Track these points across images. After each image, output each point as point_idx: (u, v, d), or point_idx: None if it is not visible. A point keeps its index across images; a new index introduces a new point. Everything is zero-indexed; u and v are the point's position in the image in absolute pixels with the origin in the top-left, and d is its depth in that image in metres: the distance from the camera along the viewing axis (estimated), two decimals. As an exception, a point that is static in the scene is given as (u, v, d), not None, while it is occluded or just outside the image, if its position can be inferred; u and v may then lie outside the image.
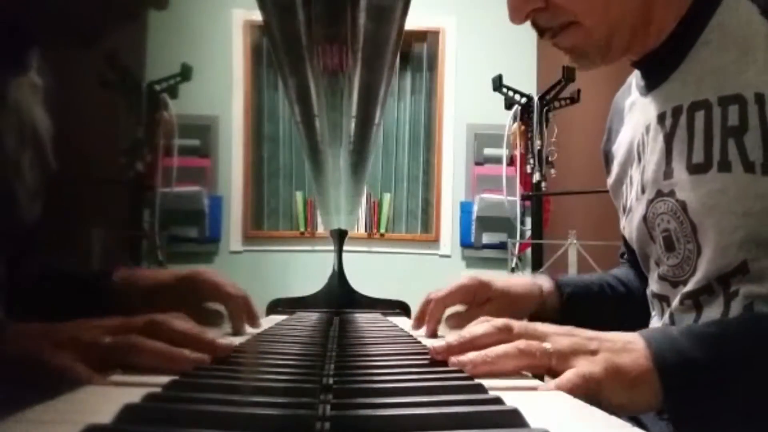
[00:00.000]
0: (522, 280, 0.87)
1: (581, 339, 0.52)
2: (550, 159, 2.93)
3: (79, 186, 2.92)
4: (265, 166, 3.91)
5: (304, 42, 0.53)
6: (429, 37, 3.96)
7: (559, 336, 0.52)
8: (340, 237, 1.30)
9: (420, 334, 0.80)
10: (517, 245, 3.18)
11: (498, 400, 0.34)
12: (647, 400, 0.49)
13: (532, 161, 2.92)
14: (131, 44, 3.49)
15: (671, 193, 0.68)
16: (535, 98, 2.96)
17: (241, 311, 0.79)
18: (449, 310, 0.82)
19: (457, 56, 3.92)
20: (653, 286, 0.75)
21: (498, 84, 3.02)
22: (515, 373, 0.50)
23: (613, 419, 0.36)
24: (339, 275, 1.27)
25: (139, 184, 3.07)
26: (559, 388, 0.46)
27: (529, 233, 3.13)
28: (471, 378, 0.43)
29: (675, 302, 0.69)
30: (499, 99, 3.08)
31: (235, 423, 0.29)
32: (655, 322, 0.76)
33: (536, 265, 2.86)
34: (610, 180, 0.88)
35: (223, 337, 0.52)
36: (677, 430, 0.50)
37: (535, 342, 0.51)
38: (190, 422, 0.29)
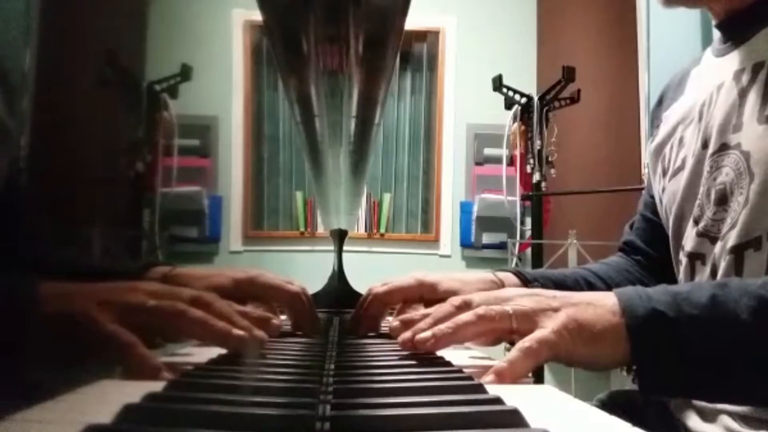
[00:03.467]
0: (475, 277, 0.80)
1: (544, 298, 0.51)
2: (550, 159, 2.93)
3: (79, 186, 2.93)
4: (265, 166, 3.91)
5: (304, 42, 0.52)
6: (429, 37, 3.96)
7: (521, 297, 0.52)
8: (340, 237, 1.30)
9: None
10: (517, 245, 3.18)
11: (498, 400, 0.34)
12: (611, 354, 0.49)
13: (532, 161, 2.93)
14: (131, 44, 3.49)
15: (737, 146, 0.66)
16: (535, 98, 2.96)
17: (307, 308, 0.75)
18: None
19: (457, 56, 3.92)
20: (688, 244, 0.73)
21: (498, 84, 3.02)
22: (478, 346, 0.52)
23: (613, 419, 0.36)
24: (339, 275, 1.27)
25: (139, 184, 3.07)
26: (497, 371, 0.46)
27: (529, 233, 3.13)
28: (471, 378, 0.43)
29: (711, 260, 0.68)
30: (499, 99, 3.08)
31: (235, 423, 0.29)
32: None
33: (536, 265, 2.86)
34: (653, 143, 0.85)
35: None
36: (641, 385, 0.49)
37: (495, 306, 0.51)
38: (190, 422, 0.29)
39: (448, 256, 3.87)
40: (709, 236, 0.69)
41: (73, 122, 2.98)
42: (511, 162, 3.26)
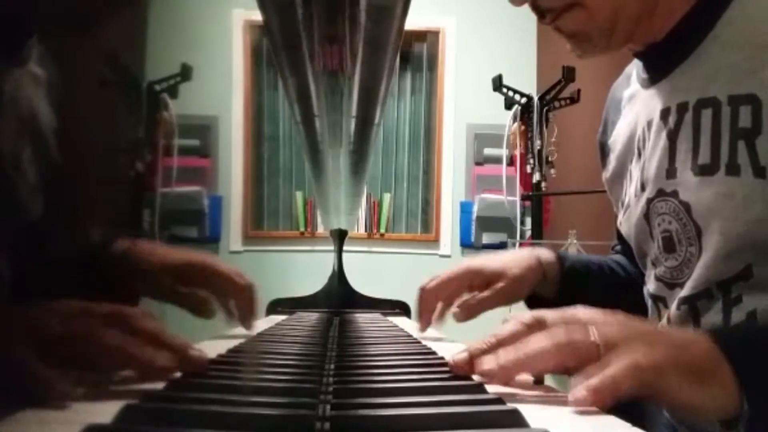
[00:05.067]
0: (518, 256, 0.80)
1: (633, 326, 0.44)
2: (550, 159, 2.93)
3: (79, 186, 2.93)
4: (265, 166, 3.91)
5: (304, 42, 0.52)
6: (429, 37, 3.96)
7: (605, 324, 0.43)
8: (340, 237, 1.30)
9: (426, 334, 0.78)
10: (517, 245, 3.17)
11: (498, 400, 0.34)
12: (717, 400, 0.41)
13: (532, 161, 2.92)
14: (131, 44, 3.49)
15: (674, 194, 0.64)
16: (535, 98, 2.96)
17: (251, 305, 0.72)
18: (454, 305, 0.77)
19: (457, 56, 3.92)
20: (650, 285, 0.72)
21: (498, 84, 3.02)
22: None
23: (613, 419, 0.35)
24: (339, 275, 1.28)
25: (139, 184, 3.07)
26: (597, 389, 0.37)
27: (529, 233, 3.13)
28: (471, 378, 0.43)
29: (672, 306, 0.66)
30: (499, 99, 3.08)
31: (235, 423, 0.29)
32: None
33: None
34: (607, 174, 0.84)
35: (197, 346, 0.45)
36: None
37: (577, 334, 0.42)
38: (190, 422, 0.29)
39: (448, 256, 3.87)
40: (664, 282, 0.68)
41: (73, 122, 2.98)
42: (511, 162, 3.26)
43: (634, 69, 0.78)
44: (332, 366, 0.47)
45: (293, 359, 0.51)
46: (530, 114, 2.96)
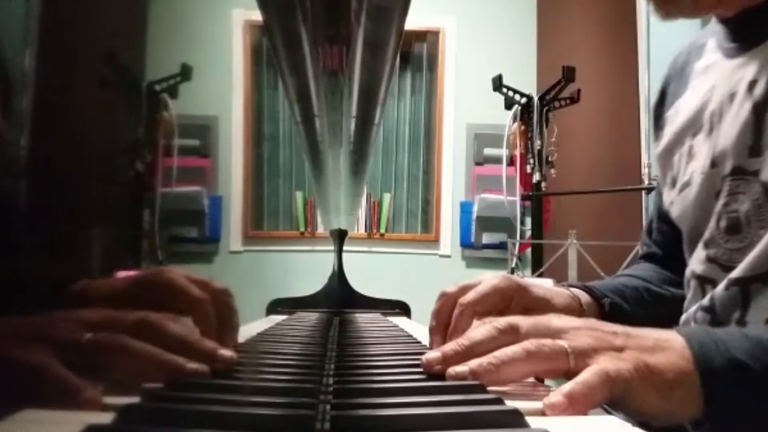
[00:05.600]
0: (560, 291, 0.72)
1: (604, 333, 0.44)
2: (550, 159, 2.93)
3: (79, 186, 2.93)
4: (265, 166, 3.91)
5: (304, 42, 0.52)
6: (429, 37, 3.96)
7: (577, 331, 0.44)
8: (340, 237, 1.30)
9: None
10: (517, 245, 3.18)
11: (498, 401, 0.34)
12: (684, 408, 0.41)
13: (532, 161, 2.93)
14: (131, 44, 3.49)
15: (756, 173, 0.59)
16: (535, 98, 2.96)
17: (210, 319, 0.56)
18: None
19: (457, 56, 3.92)
20: (697, 267, 0.67)
21: (498, 84, 3.02)
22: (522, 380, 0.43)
23: (613, 419, 0.35)
24: (339, 275, 1.28)
25: (139, 184, 3.08)
26: (571, 395, 0.37)
27: (529, 233, 3.13)
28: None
29: (720, 287, 0.62)
30: (499, 99, 3.08)
31: (235, 423, 0.29)
32: (691, 306, 0.68)
33: (536, 265, 2.86)
34: (659, 147, 0.76)
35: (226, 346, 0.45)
36: None
37: (547, 340, 0.42)
38: (190, 422, 0.29)
39: (448, 256, 3.87)
40: (719, 263, 0.64)
41: (73, 122, 2.98)
42: (511, 162, 3.26)
43: (710, 39, 0.72)
44: (332, 366, 0.47)
45: (293, 359, 0.51)
46: (530, 114, 2.96)
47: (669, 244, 0.82)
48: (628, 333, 0.44)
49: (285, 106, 3.80)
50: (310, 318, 1.06)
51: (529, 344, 0.42)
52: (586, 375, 0.39)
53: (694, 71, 0.74)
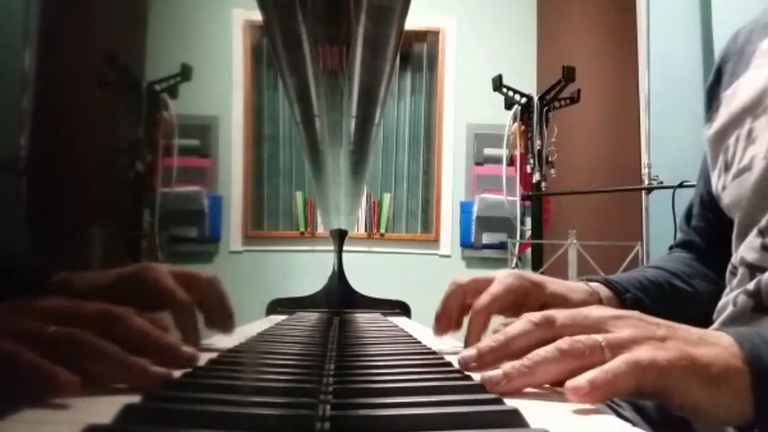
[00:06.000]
0: (578, 286, 0.70)
1: (647, 324, 0.41)
2: (550, 159, 2.93)
3: (79, 185, 2.93)
4: (265, 166, 3.91)
5: (304, 42, 0.53)
6: (429, 37, 3.96)
7: (616, 321, 0.41)
8: (340, 237, 1.30)
9: (444, 347, 0.68)
10: (517, 245, 3.18)
11: (498, 401, 0.34)
12: (732, 406, 0.38)
13: (532, 161, 2.93)
14: (131, 44, 3.49)
15: None
16: (535, 98, 2.96)
17: (192, 322, 0.58)
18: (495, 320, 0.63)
19: (457, 56, 3.93)
20: (748, 254, 0.63)
21: (498, 84, 3.02)
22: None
23: (613, 419, 0.35)
24: (339, 275, 1.28)
25: (139, 184, 3.08)
26: (593, 381, 0.36)
27: (529, 233, 3.13)
28: (470, 377, 0.43)
29: None
30: (499, 99, 3.08)
31: (235, 423, 0.29)
32: (731, 294, 0.65)
33: (536, 265, 2.86)
34: (712, 129, 0.71)
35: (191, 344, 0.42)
36: None
37: (582, 336, 0.40)
38: (190, 422, 0.29)
39: (448, 256, 3.87)
40: None
41: (73, 122, 2.98)
42: (511, 162, 3.26)
43: None
44: (332, 366, 0.47)
45: (293, 359, 0.51)
46: (530, 114, 2.97)
47: (710, 232, 0.78)
48: (671, 325, 0.42)
49: (285, 106, 3.80)
50: (310, 318, 1.06)
51: (562, 343, 0.40)
52: (614, 362, 0.37)
53: (759, 50, 0.69)
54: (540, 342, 0.41)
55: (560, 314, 0.44)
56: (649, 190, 2.50)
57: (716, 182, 0.70)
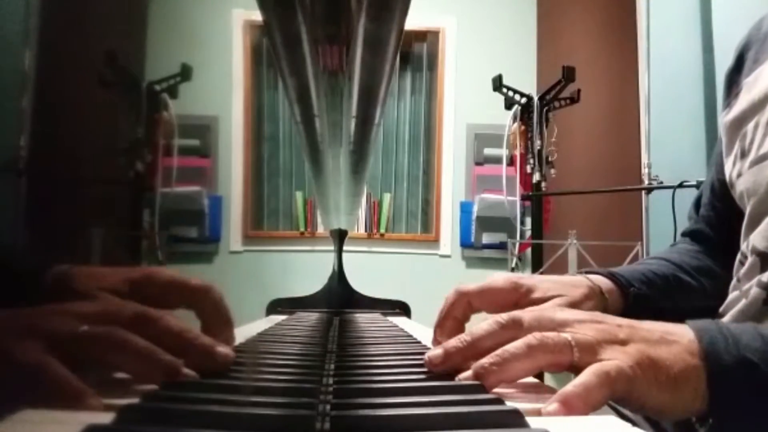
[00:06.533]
0: (575, 283, 0.68)
1: (609, 326, 0.42)
2: (550, 159, 2.93)
3: (79, 186, 2.93)
4: (265, 166, 3.91)
5: (304, 42, 0.52)
6: (429, 37, 3.96)
7: (581, 323, 0.43)
8: (340, 237, 1.30)
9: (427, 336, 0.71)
10: (517, 245, 3.18)
11: (498, 401, 0.34)
12: (689, 403, 0.40)
13: (532, 161, 2.92)
14: (131, 44, 3.49)
15: None
16: (535, 98, 2.96)
17: (218, 312, 0.57)
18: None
19: (457, 56, 3.93)
20: (760, 243, 0.62)
21: (498, 84, 3.02)
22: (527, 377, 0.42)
23: (614, 419, 0.35)
24: (339, 275, 1.28)
25: (139, 184, 3.07)
26: (568, 398, 0.36)
27: (529, 233, 3.13)
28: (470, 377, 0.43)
29: None
30: (499, 99, 3.08)
31: (235, 423, 0.29)
32: (745, 283, 0.64)
33: (536, 265, 2.86)
34: (730, 115, 0.70)
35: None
36: None
37: (551, 333, 0.41)
38: (190, 422, 0.29)
39: (448, 256, 3.87)
40: None
41: (73, 122, 2.98)
42: (511, 162, 3.26)
43: None
44: (332, 366, 0.47)
45: (293, 359, 0.51)
46: (530, 114, 2.96)
47: (719, 222, 0.77)
48: (633, 325, 0.43)
49: (285, 106, 3.80)
50: (310, 318, 1.06)
51: (531, 338, 0.41)
52: (585, 376, 0.38)
53: None
54: (506, 343, 0.41)
55: (526, 315, 0.44)
56: (649, 190, 2.50)
57: (730, 169, 0.69)
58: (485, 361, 0.41)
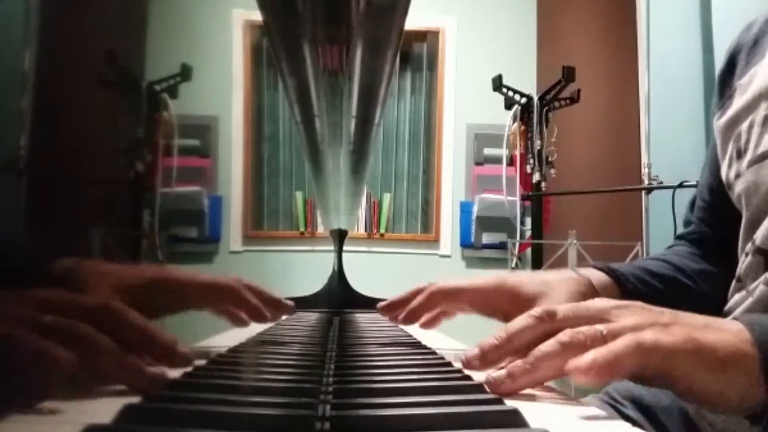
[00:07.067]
0: (564, 277, 0.66)
1: (650, 312, 0.40)
2: (550, 159, 2.93)
3: (79, 186, 2.93)
4: (265, 166, 3.91)
5: (304, 42, 0.53)
6: (429, 37, 3.96)
7: (619, 311, 0.41)
8: (340, 237, 1.30)
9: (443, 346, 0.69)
10: (517, 245, 3.18)
11: (498, 401, 0.34)
12: (740, 391, 0.36)
13: (532, 161, 2.93)
14: (131, 44, 3.49)
15: None
16: (535, 98, 2.96)
17: (246, 299, 0.64)
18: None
19: (457, 56, 3.93)
20: (763, 243, 0.62)
21: (498, 84, 3.02)
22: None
23: (613, 419, 0.35)
24: (339, 275, 1.27)
25: (139, 184, 3.08)
26: (594, 360, 0.34)
27: (529, 233, 3.13)
28: (470, 377, 0.43)
29: None
30: (499, 99, 3.08)
31: (235, 423, 0.29)
32: (748, 284, 0.64)
33: (536, 265, 2.86)
34: (725, 117, 0.70)
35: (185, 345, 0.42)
36: None
37: (583, 327, 0.39)
38: (190, 422, 0.29)
39: (448, 256, 3.87)
40: None
41: (73, 122, 2.98)
42: (511, 162, 3.26)
43: None
44: (332, 366, 0.47)
45: (293, 359, 0.51)
46: (530, 114, 2.96)
47: (716, 223, 0.77)
48: (677, 313, 0.41)
49: (285, 106, 3.80)
50: (310, 318, 1.06)
51: (563, 336, 0.39)
52: (617, 342, 0.36)
53: None
54: (543, 336, 0.40)
55: (562, 307, 0.43)
56: (649, 190, 2.50)
57: (727, 171, 0.68)
58: (518, 362, 0.40)
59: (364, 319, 1.09)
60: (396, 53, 0.57)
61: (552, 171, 2.94)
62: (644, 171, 2.58)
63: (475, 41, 3.90)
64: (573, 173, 3.16)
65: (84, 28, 3.05)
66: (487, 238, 3.75)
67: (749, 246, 0.64)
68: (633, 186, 2.71)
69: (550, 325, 0.42)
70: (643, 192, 2.59)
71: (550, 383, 0.45)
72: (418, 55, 4.00)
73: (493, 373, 0.41)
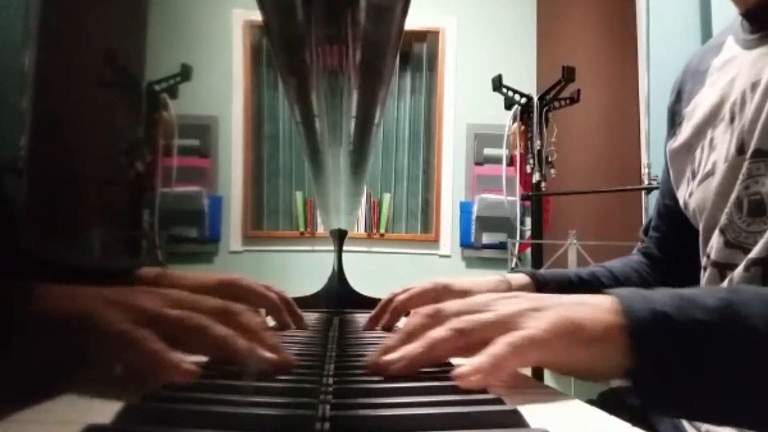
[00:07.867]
0: (487, 279, 0.81)
1: (526, 300, 0.45)
2: (550, 159, 2.93)
3: (79, 186, 2.93)
4: (265, 166, 3.91)
5: (304, 42, 0.53)
6: (429, 37, 3.96)
7: (499, 300, 0.45)
8: (340, 237, 1.30)
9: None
10: (517, 245, 3.17)
11: (498, 401, 0.34)
12: (610, 361, 0.41)
13: (532, 161, 2.92)
14: (131, 44, 3.49)
15: None
16: (535, 98, 2.96)
17: (280, 308, 0.79)
18: None
19: (457, 56, 3.92)
20: (714, 254, 0.68)
21: (498, 84, 3.02)
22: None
23: (614, 419, 0.36)
24: (339, 275, 1.27)
25: (139, 184, 3.07)
26: (478, 367, 0.39)
27: (529, 233, 3.13)
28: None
29: (739, 269, 0.63)
30: (499, 99, 3.08)
31: (235, 423, 0.29)
32: None
33: (536, 265, 2.86)
34: (675, 142, 0.78)
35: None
36: (637, 392, 0.41)
37: (472, 315, 0.44)
38: (190, 422, 0.29)
39: (448, 256, 3.87)
40: (738, 247, 0.64)
41: (73, 122, 2.98)
42: (511, 162, 3.26)
43: (728, 36, 0.75)
44: (332, 366, 0.47)
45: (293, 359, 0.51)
46: (530, 114, 2.96)
47: (664, 243, 0.87)
48: (553, 297, 0.45)
49: (285, 106, 3.79)
50: (310, 318, 1.06)
51: (455, 321, 0.44)
52: (495, 346, 0.40)
53: (712, 67, 0.75)
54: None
55: (449, 304, 0.47)
56: (649, 190, 2.50)
57: (684, 192, 0.76)
58: (415, 345, 0.44)
59: (364, 319, 1.09)
60: (396, 53, 0.57)
61: (552, 171, 2.94)
62: (644, 171, 2.58)
63: (475, 41, 3.90)
64: (573, 173, 3.16)
65: (84, 28, 3.04)
66: (487, 238, 3.75)
67: (704, 260, 0.71)
68: (633, 186, 2.71)
69: (440, 321, 0.46)
70: (643, 192, 2.59)
71: (550, 383, 0.45)
72: (418, 55, 4.00)
73: (389, 356, 0.44)
